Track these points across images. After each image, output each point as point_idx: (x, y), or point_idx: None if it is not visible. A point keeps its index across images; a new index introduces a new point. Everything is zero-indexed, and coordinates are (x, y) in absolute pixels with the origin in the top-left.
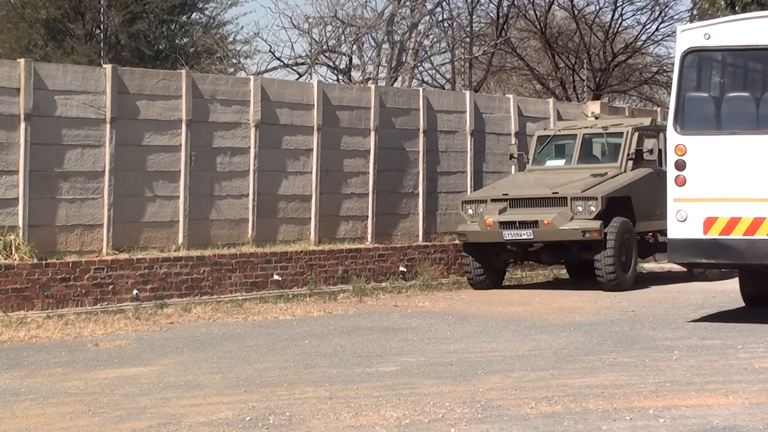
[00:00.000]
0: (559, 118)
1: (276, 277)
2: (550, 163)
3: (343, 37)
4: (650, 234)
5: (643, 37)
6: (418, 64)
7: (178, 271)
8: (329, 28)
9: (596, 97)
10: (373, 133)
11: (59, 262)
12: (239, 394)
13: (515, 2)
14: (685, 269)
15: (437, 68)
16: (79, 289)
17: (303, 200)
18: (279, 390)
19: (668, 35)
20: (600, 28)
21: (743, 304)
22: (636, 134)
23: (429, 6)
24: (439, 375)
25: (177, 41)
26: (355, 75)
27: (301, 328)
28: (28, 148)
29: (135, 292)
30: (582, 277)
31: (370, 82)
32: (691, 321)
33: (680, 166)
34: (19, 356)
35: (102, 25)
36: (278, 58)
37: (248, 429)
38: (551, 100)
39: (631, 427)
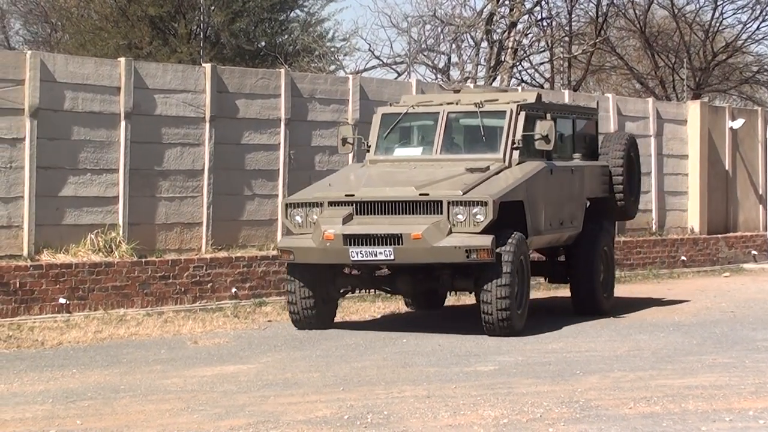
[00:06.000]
0: (659, 117)
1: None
2: (401, 151)
3: (441, 36)
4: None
5: (744, 36)
6: (517, 63)
7: (276, 269)
8: (428, 27)
9: (696, 97)
10: None
11: (159, 260)
12: (337, 392)
13: (615, 1)
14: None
15: (536, 67)
16: (178, 287)
17: None
18: (377, 389)
19: None
20: (700, 27)
21: None
22: (522, 114)
23: (528, 5)
24: (537, 374)
25: (276, 39)
26: (454, 74)
27: (399, 326)
28: (128, 146)
29: (234, 290)
30: (429, 307)
31: (469, 81)
32: None
33: None
34: (119, 353)
35: (203, 24)
36: (377, 57)
37: (346, 427)
38: (651, 100)
39: (730, 429)
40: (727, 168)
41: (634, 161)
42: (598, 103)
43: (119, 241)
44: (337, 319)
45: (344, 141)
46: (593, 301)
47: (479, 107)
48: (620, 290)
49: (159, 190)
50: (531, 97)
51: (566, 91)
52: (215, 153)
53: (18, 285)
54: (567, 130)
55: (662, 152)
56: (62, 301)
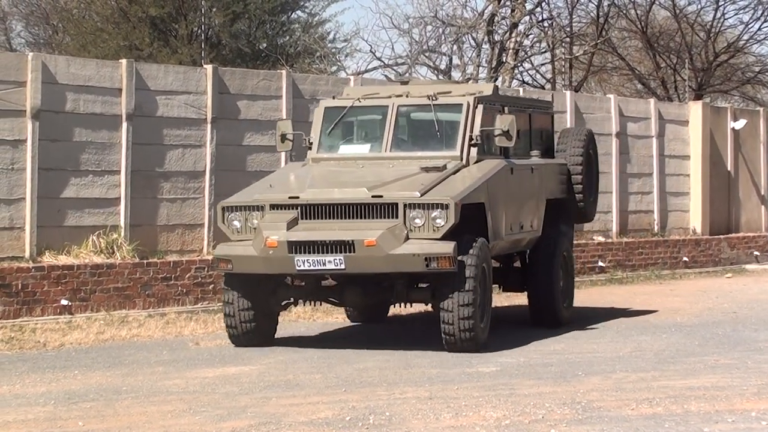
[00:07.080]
0: (661, 118)
1: None
2: (346, 149)
3: (443, 37)
4: None
5: (746, 37)
6: (518, 64)
7: None
8: (429, 28)
9: (698, 97)
10: None
11: (160, 262)
12: (339, 393)
13: (616, 2)
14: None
15: (537, 68)
16: (180, 288)
17: None
18: (379, 390)
19: None
20: (702, 27)
21: None
22: (480, 107)
23: (529, 6)
24: (539, 376)
25: (278, 41)
26: (455, 75)
27: (402, 328)
28: (130, 147)
29: None
30: (373, 319)
31: (470, 82)
32: None
33: None
34: (121, 355)
35: (204, 26)
36: (378, 58)
37: (348, 428)
38: (652, 100)
39: (732, 430)
40: (729, 169)
41: (593, 159)
42: (553, 96)
43: (121, 243)
44: (337, 319)
45: (283, 137)
46: (552, 311)
47: (432, 100)
48: (622, 291)
49: (160, 191)
50: (487, 90)
51: (568, 92)
52: (217, 154)
53: (20, 286)
54: (524, 125)
55: (664, 153)
56: (64, 302)
